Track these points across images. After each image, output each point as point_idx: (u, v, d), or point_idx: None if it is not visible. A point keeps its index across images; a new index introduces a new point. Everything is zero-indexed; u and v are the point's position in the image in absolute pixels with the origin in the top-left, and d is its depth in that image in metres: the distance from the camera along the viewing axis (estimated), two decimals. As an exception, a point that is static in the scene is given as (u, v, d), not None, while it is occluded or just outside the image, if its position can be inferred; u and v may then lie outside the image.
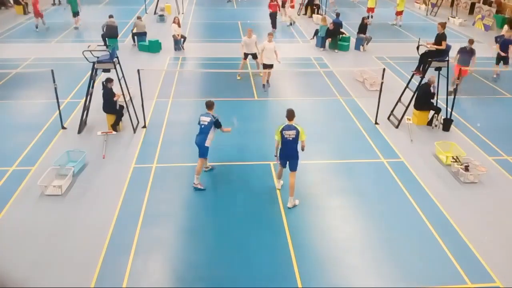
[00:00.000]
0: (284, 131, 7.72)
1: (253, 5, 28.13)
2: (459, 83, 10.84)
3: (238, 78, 14.53)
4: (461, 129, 11.24)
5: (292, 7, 23.09)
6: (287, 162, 7.99)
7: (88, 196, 8.26)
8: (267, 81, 13.69)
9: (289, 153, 7.85)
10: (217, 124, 8.39)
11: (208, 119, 8.31)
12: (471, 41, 13.37)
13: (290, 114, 7.76)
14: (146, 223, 7.52)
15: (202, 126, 8.36)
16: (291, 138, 7.70)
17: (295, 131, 7.70)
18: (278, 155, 8.03)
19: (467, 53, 13.39)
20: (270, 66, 13.52)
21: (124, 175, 8.89)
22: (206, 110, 8.54)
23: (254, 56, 14.30)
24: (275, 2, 20.78)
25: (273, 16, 20.96)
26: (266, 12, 24.72)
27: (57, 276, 6.37)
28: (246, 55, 14.29)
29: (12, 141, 10.23)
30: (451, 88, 11.73)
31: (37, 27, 20.45)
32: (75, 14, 20.71)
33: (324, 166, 9.49)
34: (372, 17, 23.28)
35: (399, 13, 22.79)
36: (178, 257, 6.83)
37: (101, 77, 11.41)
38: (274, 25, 21.16)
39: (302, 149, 7.99)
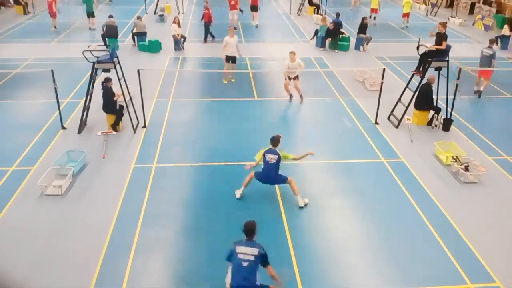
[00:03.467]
0: (266, 154, 7.94)
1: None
2: (459, 83, 10.85)
3: (225, 82, 14.14)
4: (461, 129, 11.25)
5: (234, 7, 21.34)
6: (267, 182, 8.18)
7: (88, 196, 8.26)
8: (300, 95, 12.75)
9: (269, 175, 8.02)
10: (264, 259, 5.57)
11: (254, 252, 5.46)
12: (492, 41, 13.64)
13: (274, 141, 8.01)
14: (146, 223, 7.52)
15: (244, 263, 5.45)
16: (272, 162, 7.90)
17: (277, 156, 7.87)
18: (250, 169, 8.21)
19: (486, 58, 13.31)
20: (295, 77, 12.61)
21: (124, 175, 8.89)
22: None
23: (234, 60, 13.87)
24: (207, 11, 18.75)
25: (206, 27, 18.94)
26: (266, 12, 24.77)
27: (57, 276, 6.37)
28: (227, 58, 13.74)
29: (12, 141, 10.23)
30: (475, 88, 13.45)
31: (55, 27, 20.48)
32: (90, 14, 20.68)
33: (324, 166, 9.49)
34: (375, 18, 23.23)
35: (405, 15, 22.54)
36: (178, 257, 6.83)
37: (101, 77, 11.40)
38: (206, 36, 19.05)
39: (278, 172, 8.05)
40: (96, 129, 10.72)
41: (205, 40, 19.05)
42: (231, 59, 13.92)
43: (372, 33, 19.33)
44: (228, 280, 5.55)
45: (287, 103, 12.74)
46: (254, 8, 22.19)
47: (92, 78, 10.63)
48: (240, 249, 5.41)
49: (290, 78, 12.69)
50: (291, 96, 12.80)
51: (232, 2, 20.98)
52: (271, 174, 8.00)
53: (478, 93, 13.47)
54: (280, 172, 8.05)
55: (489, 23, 22.89)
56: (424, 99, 11.20)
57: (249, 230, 5.55)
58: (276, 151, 7.95)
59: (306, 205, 8.01)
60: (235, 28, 21.28)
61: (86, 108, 10.75)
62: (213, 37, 19.12)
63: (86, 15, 20.79)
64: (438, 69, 11.06)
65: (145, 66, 14.29)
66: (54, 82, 10.32)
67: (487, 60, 13.37)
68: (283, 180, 8.06)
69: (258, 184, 8.71)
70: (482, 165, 9.24)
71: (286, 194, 8.23)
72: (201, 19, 19.96)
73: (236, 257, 5.39)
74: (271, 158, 7.90)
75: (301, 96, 12.80)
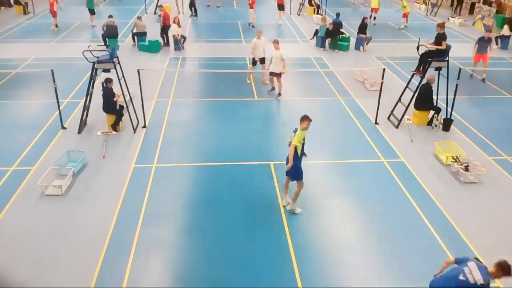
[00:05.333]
0: (292, 132, 7.44)
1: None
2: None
3: (248, 82, 14.20)
4: (461, 129, 11.25)
5: (251, 6, 21.67)
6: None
7: (88, 196, 8.26)
8: (279, 93, 12.96)
9: (288, 157, 7.47)
10: None
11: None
12: (489, 31, 14.92)
13: (301, 119, 7.32)
14: (146, 223, 7.52)
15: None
16: (291, 141, 7.44)
17: (294, 134, 7.35)
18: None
19: (485, 42, 14.51)
20: (278, 74, 12.68)
21: (124, 175, 8.89)
22: None
23: (262, 61, 13.91)
24: (164, 12, 17.80)
25: (165, 30, 17.83)
26: (265, 12, 24.77)
27: (57, 276, 6.38)
28: (254, 61, 13.80)
29: (12, 141, 10.23)
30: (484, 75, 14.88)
31: (57, 26, 20.58)
32: (91, 11, 20.94)
33: (324, 166, 9.49)
34: (375, 18, 23.18)
35: (405, 15, 22.50)
36: (178, 257, 6.83)
37: (101, 77, 11.41)
38: (167, 41, 18.01)
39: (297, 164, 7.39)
40: (96, 129, 10.72)
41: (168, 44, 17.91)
42: (260, 60, 13.92)
43: (372, 33, 19.33)
44: None
45: (287, 103, 12.74)
46: (281, 7, 22.73)
47: (92, 78, 10.63)
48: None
49: (272, 75, 12.76)
50: (273, 87, 13.15)
51: (250, 1, 21.53)
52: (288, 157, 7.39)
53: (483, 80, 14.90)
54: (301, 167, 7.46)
55: (489, 23, 22.88)
56: (424, 99, 11.20)
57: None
58: (296, 130, 7.31)
59: (294, 212, 7.77)
60: (253, 26, 21.51)
61: (86, 108, 10.75)
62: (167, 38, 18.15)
63: (89, 12, 21.09)
64: (438, 69, 11.06)
65: (145, 66, 14.31)
66: (54, 82, 10.33)
67: (486, 44, 14.70)
68: (297, 174, 7.45)
69: (258, 184, 8.73)
70: (482, 165, 9.24)
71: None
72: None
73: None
74: (292, 135, 7.37)
75: (279, 94, 12.93)
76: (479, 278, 4.83)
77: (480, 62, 14.94)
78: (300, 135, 7.25)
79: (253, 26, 21.65)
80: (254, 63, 14.04)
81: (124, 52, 16.60)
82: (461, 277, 4.91)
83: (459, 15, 25.23)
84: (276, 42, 12.62)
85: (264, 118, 11.85)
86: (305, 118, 7.30)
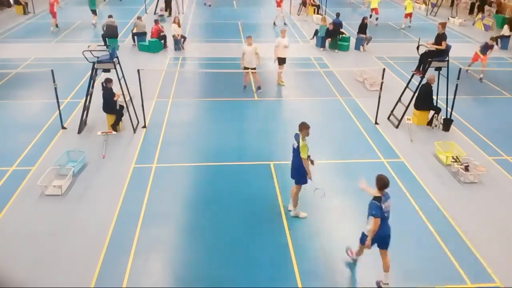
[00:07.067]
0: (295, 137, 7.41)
1: (252, 5, 28.18)
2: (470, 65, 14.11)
3: (281, 83, 14.00)
4: (461, 129, 11.24)
5: (279, 4, 22.64)
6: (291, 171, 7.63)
7: (88, 196, 8.26)
8: (258, 86, 13.46)
9: (292, 163, 7.50)
10: None
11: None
12: (492, 39, 15.49)
13: (299, 126, 7.23)
14: (146, 223, 7.52)
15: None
16: (294, 147, 7.37)
17: (297, 143, 7.24)
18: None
19: (487, 48, 14.98)
20: (253, 69, 12.87)
21: (124, 175, 8.89)
22: None
23: (284, 61, 13.67)
24: (157, 26, 17.64)
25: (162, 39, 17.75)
26: (265, 13, 24.79)
27: (57, 276, 6.38)
28: (246, 69, 12.95)
29: (12, 141, 10.23)
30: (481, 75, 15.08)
31: (57, 26, 20.66)
32: (92, 11, 21.31)
33: (324, 166, 9.49)
34: (377, 19, 23.09)
35: (408, 15, 22.42)
36: (178, 257, 6.83)
37: (101, 77, 11.41)
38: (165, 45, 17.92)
39: (300, 169, 7.35)
40: (96, 129, 10.72)
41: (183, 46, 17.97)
42: (282, 60, 13.73)
43: (372, 33, 19.33)
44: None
45: (287, 103, 12.74)
46: (306, 3, 25.23)
47: (92, 78, 10.63)
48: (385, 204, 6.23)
49: (247, 69, 12.83)
50: (245, 86, 13.42)
51: (278, 0, 22.50)
52: (293, 162, 7.43)
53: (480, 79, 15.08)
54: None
55: (489, 23, 22.87)
56: (424, 99, 11.20)
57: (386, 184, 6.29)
58: (298, 137, 7.22)
59: (298, 216, 7.76)
60: (285, 24, 22.24)
61: (86, 108, 10.75)
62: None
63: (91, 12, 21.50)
64: (438, 69, 11.06)
65: (145, 66, 14.31)
66: (54, 82, 10.33)
67: (487, 48, 15.18)
68: (300, 177, 7.43)
69: (258, 184, 8.73)
70: (482, 165, 9.24)
71: (286, 195, 8.23)
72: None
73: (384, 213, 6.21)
74: (294, 143, 7.33)
75: (259, 87, 13.44)
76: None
77: (478, 62, 15.16)
78: (304, 147, 7.13)
79: (285, 24, 22.37)
80: (279, 62, 13.70)
81: (124, 52, 16.60)
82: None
83: (475, 18, 25.00)
84: (249, 37, 12.88)
85: (264, 118, 11.84)
86: (303, 127, 7.14)
